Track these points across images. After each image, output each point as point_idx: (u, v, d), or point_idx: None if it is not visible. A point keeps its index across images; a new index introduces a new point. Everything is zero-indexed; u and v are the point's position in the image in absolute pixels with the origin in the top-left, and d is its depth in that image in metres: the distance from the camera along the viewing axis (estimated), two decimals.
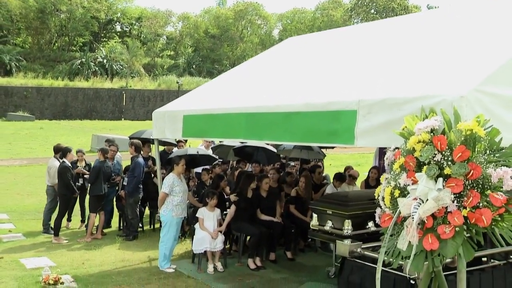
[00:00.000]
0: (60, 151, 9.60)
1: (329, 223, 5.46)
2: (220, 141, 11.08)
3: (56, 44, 57.04)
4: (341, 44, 7.05)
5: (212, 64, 59.44)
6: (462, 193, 2.88)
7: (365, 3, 60.47)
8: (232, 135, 6.27)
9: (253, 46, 62.59)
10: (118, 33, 63.26)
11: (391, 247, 3.17)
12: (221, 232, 7.63)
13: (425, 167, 3.00)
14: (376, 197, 3.38)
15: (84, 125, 36.98)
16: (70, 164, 9.35)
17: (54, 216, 9.42)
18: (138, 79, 50.49)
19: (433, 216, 2.95)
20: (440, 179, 2.94)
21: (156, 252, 7.87)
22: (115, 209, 10.21)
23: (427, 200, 2.93)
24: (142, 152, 9.64)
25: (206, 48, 61.66)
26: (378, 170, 9.38)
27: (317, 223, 5.64)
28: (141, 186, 9.31)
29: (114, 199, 10.06)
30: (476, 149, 2.94)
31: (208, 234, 7.36)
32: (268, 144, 10.12)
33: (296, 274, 7.28)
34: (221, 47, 62.09)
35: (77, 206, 10.13)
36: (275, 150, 10.90)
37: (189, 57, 59.58)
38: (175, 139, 10.26)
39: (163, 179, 7.68)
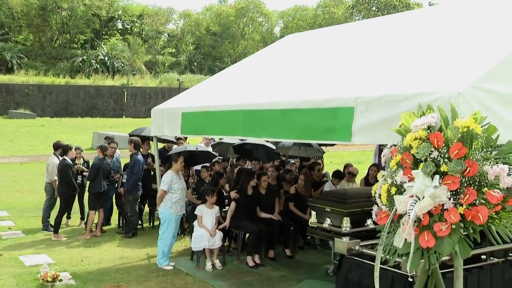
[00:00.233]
0: (60, 148, 9.61)
1: (328, 221, 5.45)
2: (220, 139, 11.07)
3: (58, 42, 57.08)
4: (339, 41, 7.03)
5: (214, 61, 59.44)
6: (458, 190, 2.86)
7: (367, 1, 60.37)
8: (230, 132, 6.26)
9: (254, 44, 62.54)
10: (120, 31, 63.31)
11: (387, 244, 3.15)
12: (224, 228, 7.63)
13: (421, 164, 2.98)
14: (373, 195, 3.36)
15: (85, 123, 37.01)
16: (71, 162, 9.35)
17: (54, 213, 9.43)
18: (139, 76, 50.55)
19: (429, 213, 2.93)
20: (437, 176, 2.92)
21: (155, 249, 7.87)
22: (115, 207, 10.21)
23: (424, 197, 2.91)
24: (141, 150, 9.64)
25: (208, 45, 61.68)
26: (378, 167, 9.34)
27: (316, 221, 5.62)
28: (140, 184, 9.31)
29: (114, 196, 10.06)
30: (473, 146, 2.92)
31: (207, 232, 7.35)
32: (267, 141, 10.09)
33: (295, 272, 7.27)
34: (222, 45, 62.10)
35: (76, 204, 10.13)
36: (274, 148, 10.87)
37: (190, 54, 59.61)
38: (175, 137, 10.24)
39: (161, 176, 7.67)
